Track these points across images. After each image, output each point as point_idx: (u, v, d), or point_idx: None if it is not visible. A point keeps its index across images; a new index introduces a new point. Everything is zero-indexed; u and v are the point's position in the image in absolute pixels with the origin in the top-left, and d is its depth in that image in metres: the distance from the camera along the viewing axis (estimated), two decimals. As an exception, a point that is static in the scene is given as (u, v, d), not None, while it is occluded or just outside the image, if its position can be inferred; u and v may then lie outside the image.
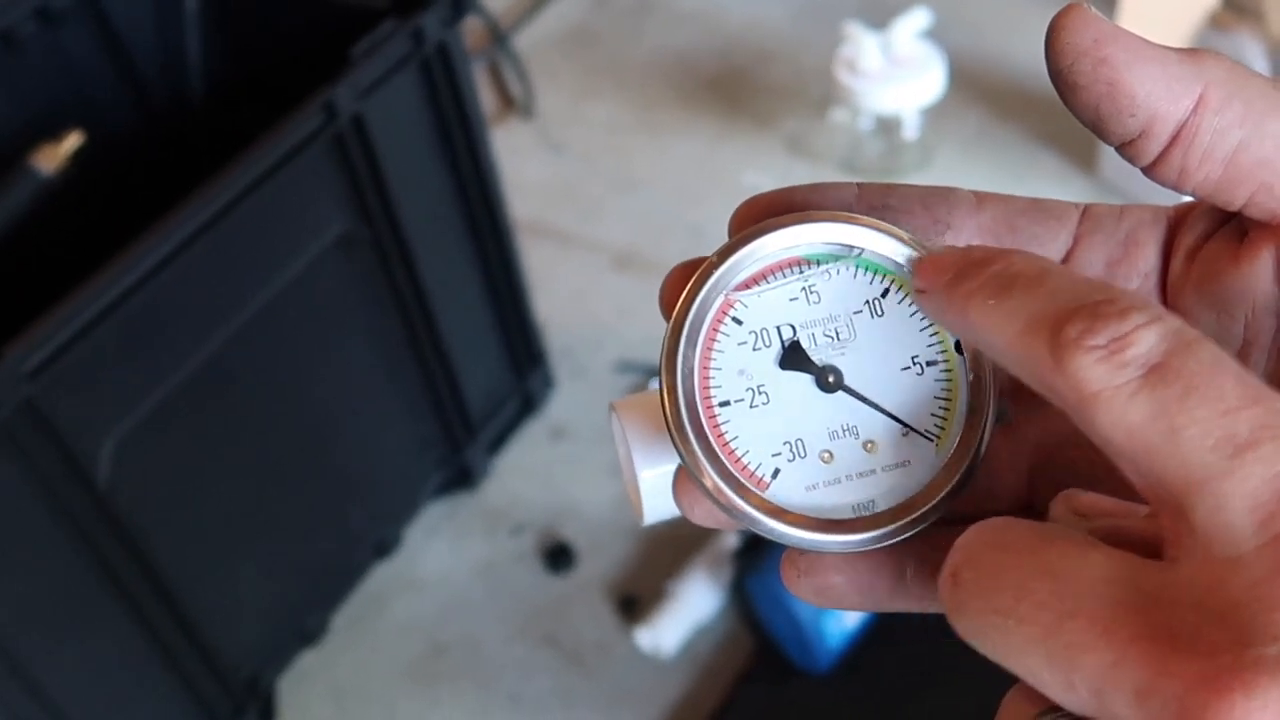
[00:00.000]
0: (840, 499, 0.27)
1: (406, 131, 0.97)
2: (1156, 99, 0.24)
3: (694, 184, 1.45)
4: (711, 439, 0.27)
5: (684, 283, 0.27)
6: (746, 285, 0.27)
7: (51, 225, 1.04)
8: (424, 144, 1.00)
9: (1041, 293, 0.22)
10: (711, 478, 0.26)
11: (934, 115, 1.38)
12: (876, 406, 0.27)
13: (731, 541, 1.04)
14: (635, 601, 1.08)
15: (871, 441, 0.27)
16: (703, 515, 0.28)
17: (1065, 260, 0.28)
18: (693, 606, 1.04)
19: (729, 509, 0.27)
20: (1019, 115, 1.43)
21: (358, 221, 0.96)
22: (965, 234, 0.27)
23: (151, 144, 1.14)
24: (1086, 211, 0.28)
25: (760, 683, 1.00)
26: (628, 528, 1.13)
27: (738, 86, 1.56)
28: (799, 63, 1.57)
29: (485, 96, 1.58)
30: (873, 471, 0.27)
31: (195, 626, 0.92)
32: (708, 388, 0.27)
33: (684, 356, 0.27)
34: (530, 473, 1.20)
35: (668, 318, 0.27)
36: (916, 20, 1.34)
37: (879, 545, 0.26)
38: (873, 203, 0.28)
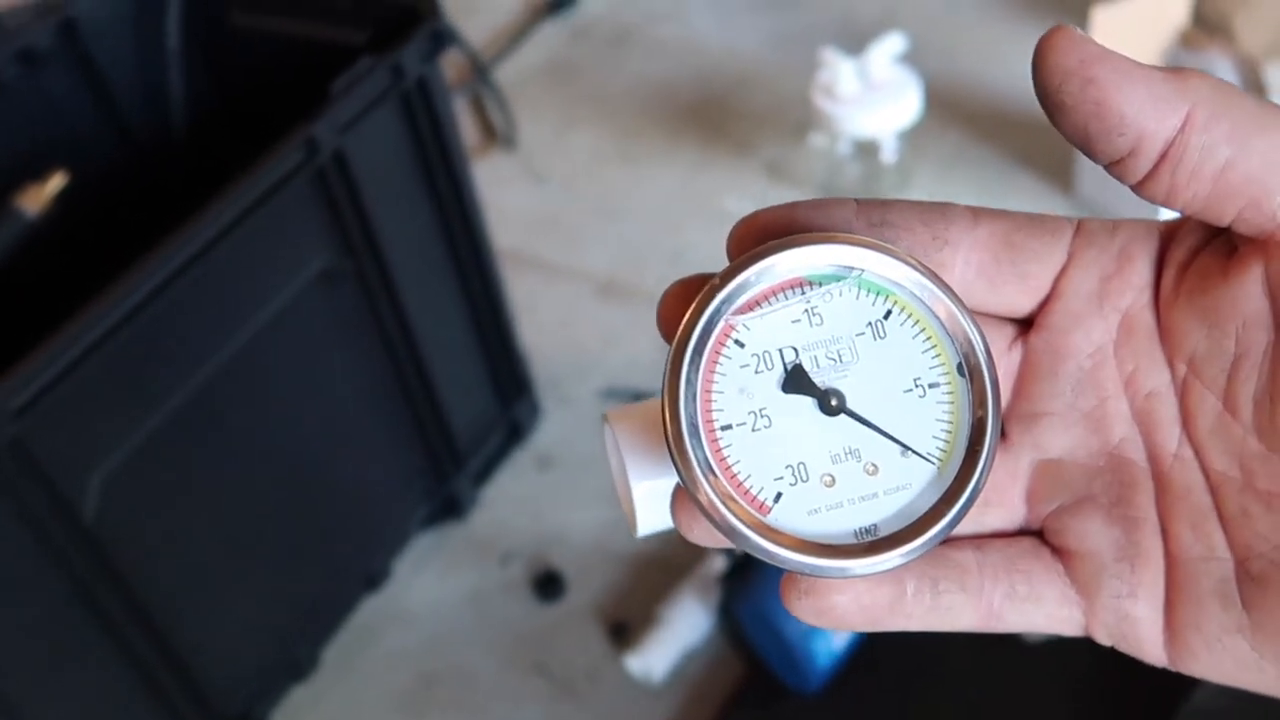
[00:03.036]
0: (843, 524, 0.27)
1: (388, 165, 0.98)
2: (1144, 118, 0.25)
3: (676, 211, 1.46)
4: (714, 463, 0.27)
5: (682, 302, 0.27)
6: (748, 308, 0.27)
7: (36, 264, 1.05)
8: (405, 177, 1.01)
9: None
10: (713, 502, 0.26)
11: (912, 138, 1.40)
12: (879, 429, 0.27)
13: (719, 565, 1.04)
14: (625, 627, 1.08)
15: (874, 464, 0.27)
16: (700, 535, 0.28)
17: (1061, 275, 0.28)
18: (682, 631, 1.04)
19: (731, 534, 0.26)
20: (996, 136, 1.45)
21: (341, 255, 0.97)
22: (963, 250, 0.28)
23: (135, 181, 1.15)
24: (1080, 227, 0.28)
25: (751, 705, 1.00)
26: (616, 554, 1.14)
27: (717, 114, 1.58)
28: (777, 89, 1.59)
29: (468, 129, 1.59)
30: (875, 495, 0.27)
31: (184, 662, 0.92)
32: (710, 411, 0.27)
33: (686, 380, 0.27)
34: (518, 502, 1.20)
35: (667, 338, 0.27)
36: (892, 45, 1.36)
37: (881, 571, 0.27)
38: (871, 219, 0.28)
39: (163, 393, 0.86)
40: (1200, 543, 0.27)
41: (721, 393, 0.27)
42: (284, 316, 0.94)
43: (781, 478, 0.27)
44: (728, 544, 0.28)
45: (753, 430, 0.27)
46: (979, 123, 1.47)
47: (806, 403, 0.27)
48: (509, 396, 1.20)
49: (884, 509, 0.27)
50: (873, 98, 1.35)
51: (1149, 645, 0.28)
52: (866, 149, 1.40)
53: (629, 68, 1.68)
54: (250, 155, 0.90)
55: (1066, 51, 0.25)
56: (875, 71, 1.35)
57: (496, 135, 1.59)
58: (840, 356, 0.27)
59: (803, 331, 0.27)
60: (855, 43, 1.42)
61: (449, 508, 1.17)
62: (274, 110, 1.05)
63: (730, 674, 1.03)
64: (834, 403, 0.27)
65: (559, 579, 1.12)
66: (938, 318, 0.27)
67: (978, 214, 0.28)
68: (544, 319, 1.34)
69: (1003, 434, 0.29)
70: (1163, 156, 0.25)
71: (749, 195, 1.45)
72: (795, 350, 0.27)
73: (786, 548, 0.26)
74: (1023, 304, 0.28)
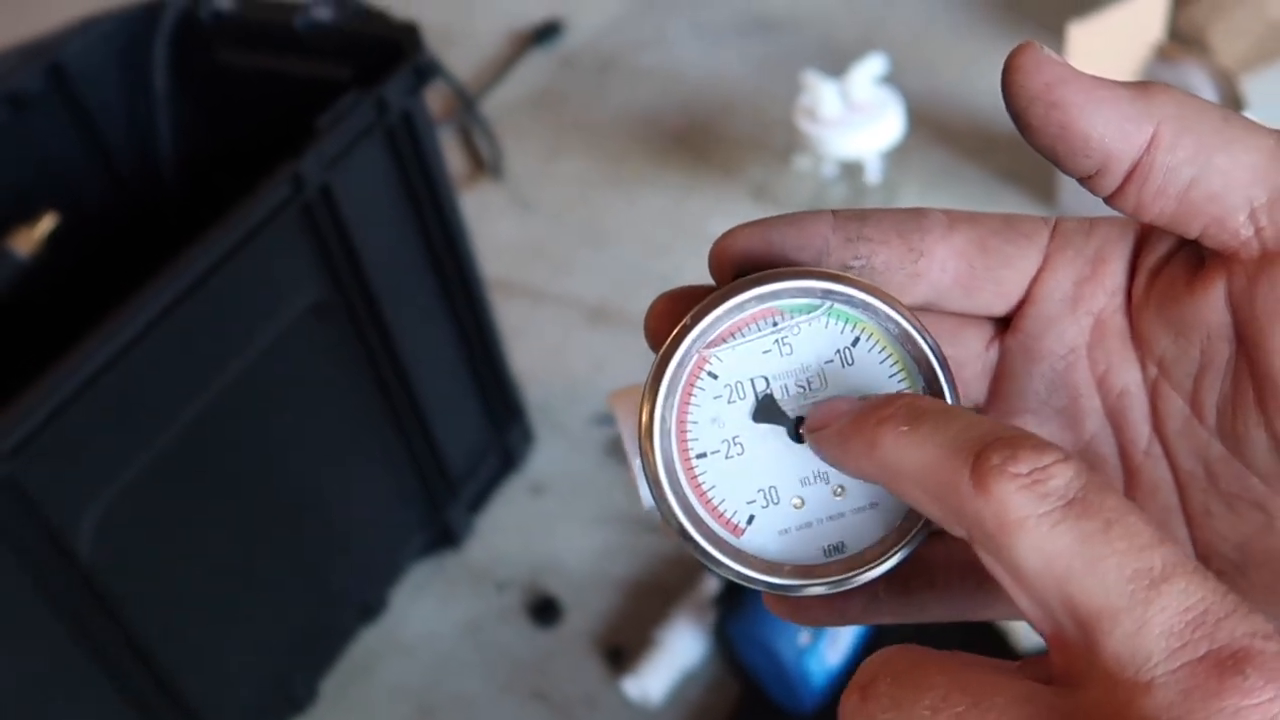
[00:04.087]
0: (812, 543, 0.28)
1: (374, 198, 0.99)
2: (1110, 140, 0.25)
3: (663, 235, 1.47)
4: (689, 489, 0.28)
5: (668, 317, 0.28)
6: (720, 340, 0.28)
7: (27, 304, 1.06)
8: (392, 210, 1.02)
9: (956, 424, 0.23)
10: (688, 530, 0.28)
11: (896, 158, 1.41)
12: None
13: (713, 587, 1.05)
14: (622, 652, 1.08)
15: (841, 486, 0.28)
16: None
17: (1036, 279, 0.29)
18: (678, 654, 1.04)
19: (705, 559, 0.28)
20: (979, 154, 1.46)
21: (330, 289, 0.98)
22: (938, 259, 0.28)
23: (126, 221, 1.16)
24: (1056, 228, 0.29)
25: (748, 726, 1.01)
26: (612, 579, 1.14)
27: (702, 139, 1.59)
28: (760, 113, 1.60)
29: (456, 160, 1.61)
30: (842, 515, 0.28)
31: (182, 696, 0.92)
32: (685, 440, 0.28)
33: (661, 416, 0.28)
34: (513, 529, 1.21)
35: (655, 348, 0.28)
36: (873, 66, 1.37)
37: (847, 589, 0.28)
38: (848, 234, 0.28)
39: (156, 428, 0.86)
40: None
41: (696, 423, 0.28)
42: (274, 350, 0.95)
43: (754, 501, 0.28)
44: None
45: (726, 457, 0.28)
46: (962, 140, 1.49)
47: (777, 430, 0.28)
48: (501, 424, 1.20)
49: (851, 528, 0.28)
50: (855, 119, 1.36)
51: None
52: (851, 170, 1.41)
53: (614, 96, 1.70)
54: (239, 192, 0.91)
55: (1031, 74, 0.25)
56: (857, 93, 1.36)
57: (484, 165, 1.60)
58: (810, 384, 0.28)
59: (773, 361, 0.28)
60: (837, 65, 1.44)
61: (444, 537, 1.17)
62: (262, 146, 1.07)
63: (727, 696, 1.04)
64: (802, 430, 0.28)
65: (555, 605, 1.13)
66: (902, 344, 0.28)
67: (953, 220, 0.28)
68: (535, 346, 1.35)
69: None
70: (1129, 175, 0.26)
71: (735, 218, 1.44)
72: (766, 380, 0.28)
73: (756, 570, 0.28)
74: (998, 306, 0.29)
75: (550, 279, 1.45)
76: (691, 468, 0.28)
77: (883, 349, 0.28)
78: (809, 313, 0.28)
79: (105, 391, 0.81)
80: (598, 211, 1.53)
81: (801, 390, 0.28)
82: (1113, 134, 0.25)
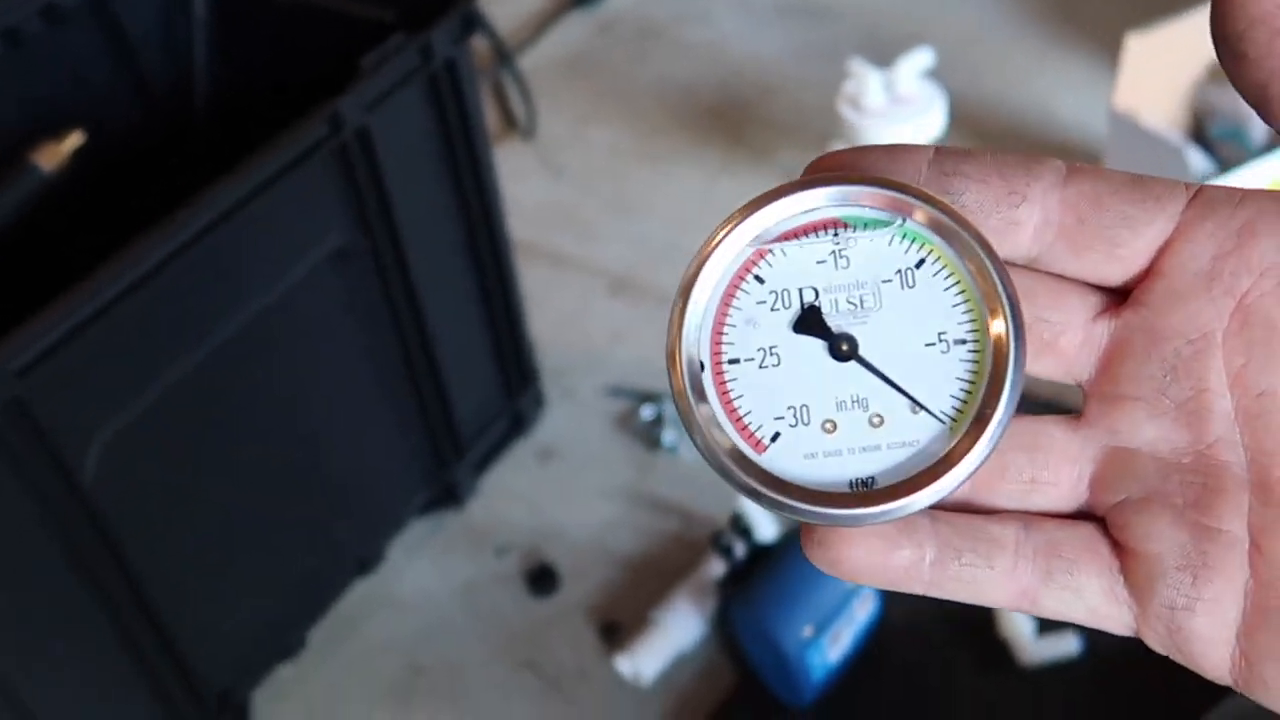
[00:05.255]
0: (839, 472, 0.26)
1: (411, 146, 0.97)
2: None
3: (692, 212, 1.45)
4: (715, 394, 0.26)
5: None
6: (775, 241, 0.26)
7: (49, 223, 1.04)
8: (428, 160, 1.00)
9: None
10: (704, 433, 0.26)
11: (934, 155, 1.39)
12: (888, 380, 0.26)
13: (716, 570, 1.03)
14: (617, 628, 1.07)
15: (880, 416, 0.26)
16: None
17: (1165, 249, 0.25)
18: (675, 635, 1.03)
19: (719, 469, 0.26)
20: (1017, 159, 1.44)
21: (357, 233, 0.96)
22: (1042, 208, 0.25)
23: (154, 146, 1.13)
24: (1198, 194, 0.25)
25: (740, 714, 0.99)
26: (613, 554, 1.13)
27: (739, 119, 1.57)
28: (799, 98, 1.58)
29: (488, 116, 1.58)
30: (877, 447, 0.26)
31: (171, 634, 0.91)
32: (719, 342, 0.26)
33: (698, 312, 0.26)
34: (517, 493, 1.19)
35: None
36: (920, 59, 1.35)
37: (868, 524, 0.25)
38: (944, 168, 0.26)
39: (169, 361, 0.84)
40: None
41: (734, 326, 0.26)
42: (295, 292, 0.93)
43: (782, 418, 0.26)
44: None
45: (760, 367, 0.26)
46: (1000, 142, 1.46)
47: (818, 345, 0.26)
48: (514, 387, 1.19)
49: (884, 462, 0.26)
50: (898, 111, 1.34)
51: (1209, 663, 0.25)
52: (888, 163, 1.39)
53: (653, 66, 1.67)
54: (271, 127, 0.89)
55: None
56: (901, 85, 1.34)
57: (516, 124, 1.57)
58: (862, 302, 0.26)
59: (826, 272, 0.26)
60: (881, 56, 1.41)
61: (447, 495, 1.16)
62: (299, 82, 1.04)
63: (720, 683, 1.02)
64: (844, 348, 0.26)
65: (553, 574, 1.11)
66: (972, 273, 0.25)
67: (1074, 171, 0.25)
68: (553, 312, 1.33)
69: (1080, 412, 0.27)
70: None
71: (766, 201, 1.44)
72: (815, 291, 0.26)
73: (770, 489, 0.25)
74: (1112, 273, 0.26)
75: (574, 245, 1.43)
76: (721, 372, 0.26)
77: (950, 275, 0.26)
78: (874, 227, 0.26)
79: (121, 320, 0.79)
80: (627, 182, 1.51)
81: (852, 307, 0.26)
82: None
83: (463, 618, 1.10)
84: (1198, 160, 1.23)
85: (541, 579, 1.11)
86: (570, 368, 1.28)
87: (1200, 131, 1.31)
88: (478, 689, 1.05)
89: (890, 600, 1.00)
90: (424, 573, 1.14)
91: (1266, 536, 0.25)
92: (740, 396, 0.26)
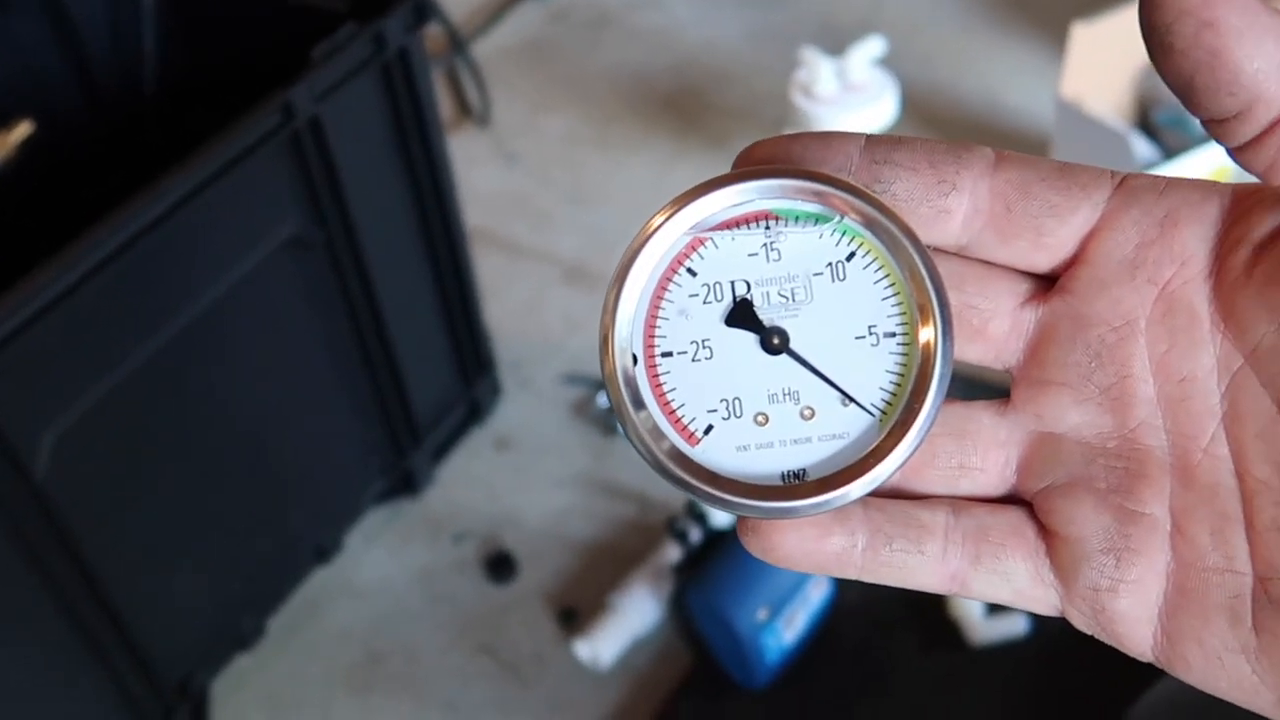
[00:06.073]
0: (771, 465, 0.26)
1: (364, 135, 0.97)
2: (1264, 80, 0.22)
3: (646, 200, 1.46)
4: (648, 387, 0.26)
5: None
6: (706, 232, 0.26)
7: (-4, 214, 1.03)
8: (381, 149, 1.00)
9: None
10: (639, 432, 0.26)
11: (885, 142, 1.40)
12: (819, 374, 0.26)
13: (673, 555, 1.04)
14: (575, 613, 1.08)
15: (810, 409, 0.26)
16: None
17: (1090, 237, 0.25)
18: (632, 620, 1.04)
19: (653, 463, 0.26)
20: (967, 146, 1.46)
21: (310, 223, 0.95)
22: (971, 196, 0.25)
23: (99, 134, 1.13)
24: (1123, 183, 0.25)
25: (697, 697, 1.01)
26: (570, 540, 1.13)
27: (693, 106, 1.58)
28: (753, 85, 1.59)
29: (441, 103, 1.58)
30: (808, 440, 0.26)
31: (127, 624, 0.91)
32: (653, 336, 0.26)
33: (630, 305, 0.26)
34: (474, 481, 1.19)
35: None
36: (871, 48, 1.36)
37: (800, 516, 0.26)
38: (875, 157, 0.25)
39: (122, 352, 0.84)
40: (1219, 551, 0.25)
41: (667, 319, 0.26)
42: (249, 282, 0.92)
43: (715, 410, 0.26)
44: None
45: (693, 360, 0.26)
46: (950, 130, 1.48)
47: (750, 338, 0.26)
48: (471, 375, 1.19)
49: (815, 454, 0.26)
50: (850, 99, 1.35)
51: (1132, 641, 0.26)
52: (840, 150, 1.40)
53: (606, 54, 1.68)
54: (220, 116, 0.89)
55: None
56: (853, 73, 1.35)
57: (470, 111, 1.57)
58: (793, 295, 0.26)
59: (758, 265, 0.26)
60: (833, 43, 1.43)
61: (405, 483, 1.16)
62: (246, 72, 1.04)
63: (677, 665, 1.04)
64: (775, 341, 0.26)
65: (511, 561, 1.12)
66: (902, 266, 0.26)
67: (1002, 159, 0.25)
68: (509, 301, 1.33)
69: (1005, 397, 0.27)
70: (1273, 126, 0.23)
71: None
72: (747, 283, 0.26)
73: (703, 482, 0.26)
74: (1039, 261, 0.26)
75: (529, 234, 1.43)
76: (654, 365, 0.26)
77: (880, 268, 0.26)
78: (805, 220, 0.26)
79: (73, 311, 0.79)
80: (581, 170, 1.51)
81: (784, 300, 0.26)
82: (1270, 73, 0.22)
83: (421, 605, 1.11)
84: (1142, 147, 1.25)
85: (499, 566, 1.12)
86: (526, 356, 1.29)
87: (1145, 119, 1.34)
88: (437, 675, 1.06)
89: (843, 583, 1.02)
90: (382, 561, 1.14)
91: (1187, 519, 0.25)
92: (674, 390, 0.26)
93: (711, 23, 1.71)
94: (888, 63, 1.39)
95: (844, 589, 1.02)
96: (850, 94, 1.35)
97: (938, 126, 1.48)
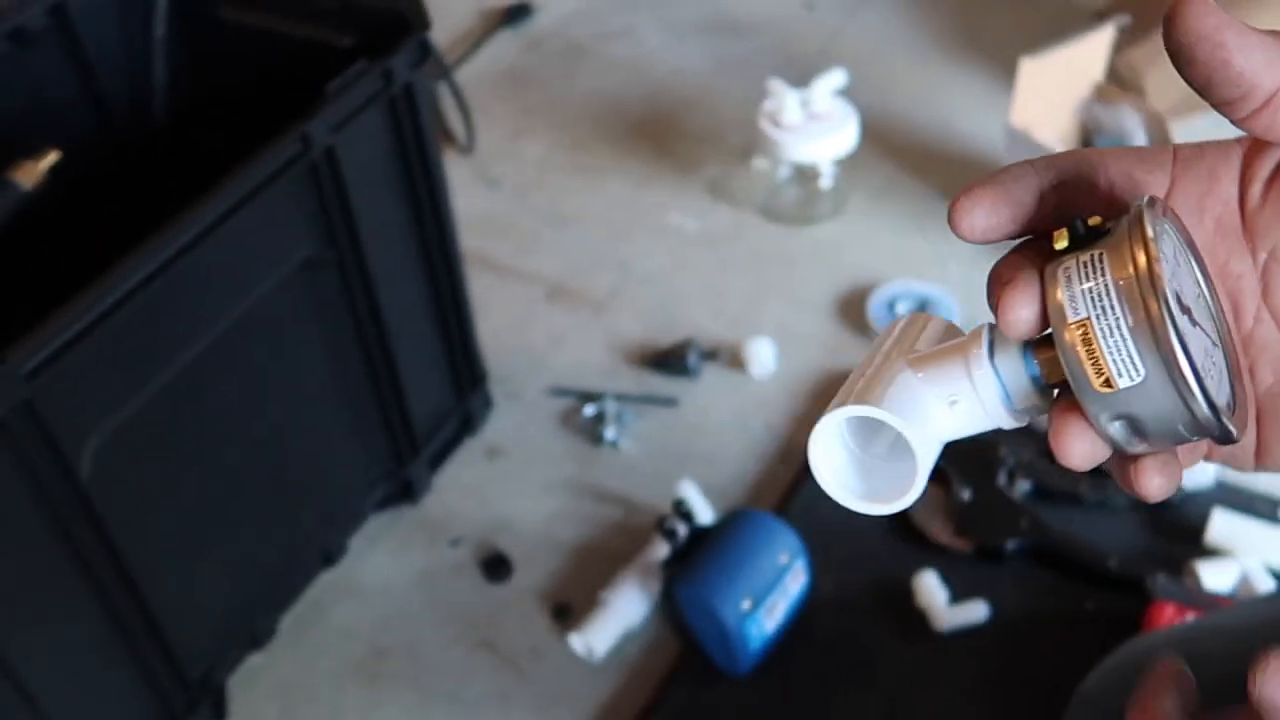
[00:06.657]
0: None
1: (372, 164, 1.04)
2: (1258, 74, 0.33)
3: (622, 222, 1.54)
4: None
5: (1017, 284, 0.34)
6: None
7: (18, 238, 1.08)
8: (387, 176, 1.07)
9: None
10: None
11: (847, 166, 1.50)
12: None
13: (661, 552, 1.12)
14: (568, 609, 1.15)
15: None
16: (1082, 452, 0.35)
17: (1168, 196, 0.36)
18: (623, 613, 1.11)
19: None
20: (922, 169, 1.55)
21: (323, 246, 1.02)
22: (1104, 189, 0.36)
23: (114, 163, 1.19)
24: (1176, 154, 0.37)
25: (685, 684, 1.08)
26: (561, 542, 1.21)
27: (663, 132, 1.66)
28: (719, 112, 1.68)
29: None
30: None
31: (158, 621, 0.97)
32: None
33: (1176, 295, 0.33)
34: (468, 488, 1.27)
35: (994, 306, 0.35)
36: (834, 79, 1.45)
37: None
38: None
39: (157, 366, 0.91)
40: (1277, 379, 0.37)
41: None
42: (267, 301, 0.99)
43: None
44: (1103, 454, 0.35)
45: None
46: (908, 156, 1.58)
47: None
48: (464, 389, 1.26)
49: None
50: (814, 127, 1.44)
51: (1243, 460, 0.38)
52: (805, 174, 1.49)
53: (581, 81, 1.76)
54: (229, 146, 0.96)
55: (1200, 18, 0.32)
56: (818, 103, 1.44)
57: (453, 139, 1.65)
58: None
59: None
60: (795, 72, 1.52)
61: (404, 491, 1.23)
62: (254, 103, 1.11)
63: (667, 655, 1.11)
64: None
65: (506, 562, 1.19)
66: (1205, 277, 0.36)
67: (1104, 155, 0.36)
68: (497, 319, 1.40)
69: None
70: (1265, 103, 0.33)
71: (691, 212, 1.54)
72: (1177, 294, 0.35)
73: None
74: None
75: (512, 255, 1.50)
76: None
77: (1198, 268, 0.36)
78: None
79: (117, 326, 0.85)
80: (559, 193, 1.59)
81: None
82: (1260, 69, 0.33)
83: (422, 604, 1.18)
84: (1085, 172, 1.35)
85: (495, 566, 1.19)
86: (514, 371, 1.36)
87: (1088, 144, 1.44)
88: (439, 669, 1.13)
89: (819, 574, 1.10)
90: (383, 564, 1.21)
91: (1255, 366, 0.38)
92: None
93: (679, 52, 1.79)
94: (848, 93, 1.48)
95: (819, 580, 1.10)
96: (814, 122, 1.44)
97: (894, 152, 1.58)
